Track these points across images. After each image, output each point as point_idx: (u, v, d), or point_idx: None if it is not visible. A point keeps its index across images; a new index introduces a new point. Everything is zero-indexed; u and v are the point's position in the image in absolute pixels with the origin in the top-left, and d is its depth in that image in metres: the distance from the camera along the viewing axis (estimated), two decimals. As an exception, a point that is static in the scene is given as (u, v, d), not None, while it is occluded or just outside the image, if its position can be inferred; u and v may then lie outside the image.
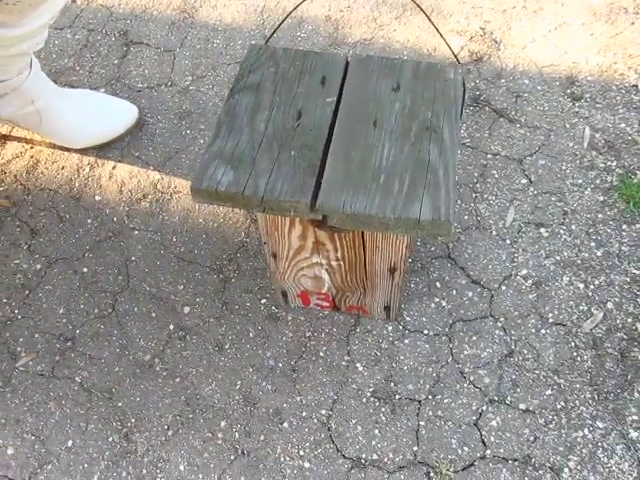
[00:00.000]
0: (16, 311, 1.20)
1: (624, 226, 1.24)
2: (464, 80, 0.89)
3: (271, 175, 0.80)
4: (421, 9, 0.84)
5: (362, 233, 0.90)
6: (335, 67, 0.91)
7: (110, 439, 1.08)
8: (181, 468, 1.06)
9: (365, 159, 0.81)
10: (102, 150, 1.37)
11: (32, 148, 1.39)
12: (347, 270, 1.01)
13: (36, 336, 1.18)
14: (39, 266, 1.25)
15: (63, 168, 1.37)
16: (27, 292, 1.22)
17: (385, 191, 0.78)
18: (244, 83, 0.89)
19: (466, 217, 1.26)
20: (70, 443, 1.08)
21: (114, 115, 1.38)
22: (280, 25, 0.96)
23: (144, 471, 1.06)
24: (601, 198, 1.27)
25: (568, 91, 1.40)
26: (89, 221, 1.30)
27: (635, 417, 1.07)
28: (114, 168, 1.35)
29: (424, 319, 1.16)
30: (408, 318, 1.17)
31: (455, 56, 0.93)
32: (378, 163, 0.81)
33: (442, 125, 0.84)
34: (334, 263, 0.99)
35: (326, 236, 0.92)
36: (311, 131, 0.84)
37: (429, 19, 0.82)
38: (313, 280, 1.07)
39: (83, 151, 1.38)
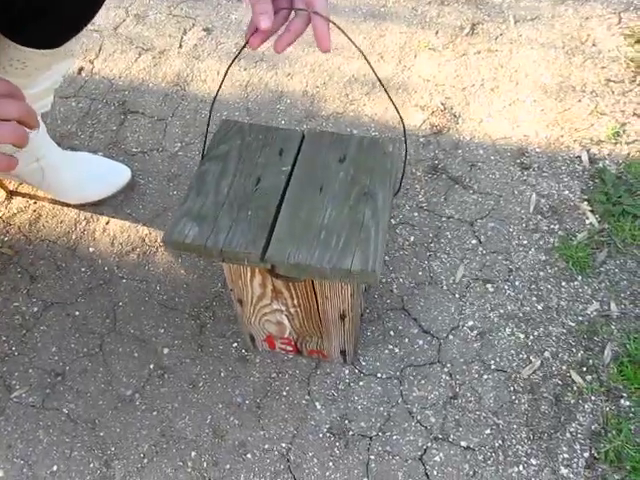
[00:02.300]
0: (13, 348, 1.34)
1: (563, 283, 1.38)
2: (406, 151, 1.03)
3: (230, 231, 0.94)
4: (385, 90, 0.99)
5: (312, 283, 1.04)
6: (292, 141, 1.06)
7: (91, 465, 1.21)
8: (153, 492, 1.18)
9: (310, 219, 0.95)
10: (98, 207, 1.53)
11: (35, 203, 1.55)
12: (304, 316, 1.14)
13: (30, 371, 1.31)
14: (36, 309, 1.39)
15: (62, 222, 1.52)
16: (24, 332, 1.36)
17: (324, 246, 0.92)
18: (214, 153, 1.04)
19: (420, 273, 1.40)
20: (55, 468, 1.21)
21: (110, 176, 1.53)
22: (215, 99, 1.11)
23: (120, 494, 1.18)
24: (543, 257, 1.41)
25: (518, 161, 1.56)
26: (83, 270, 1.44)
27: (566, 455, 1.18)
28: (107, 223, 1.50)
29: (378, 364, 1.29)
30: (363, 363, 1.30)
31: (404, 133, 1.09)
32: (320, 222, 0.95)
33: (377, 191, 0.98)
34: (292, 310, 1.13)
35: (282, 285, 1.06)
36: (267, 195, 0.98)
37: (390, 98, 0.97)
38: (276, 325, 1.20)
39: (81, 207, 1.53)
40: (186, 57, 1.82)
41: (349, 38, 0.87)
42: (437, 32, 1.84)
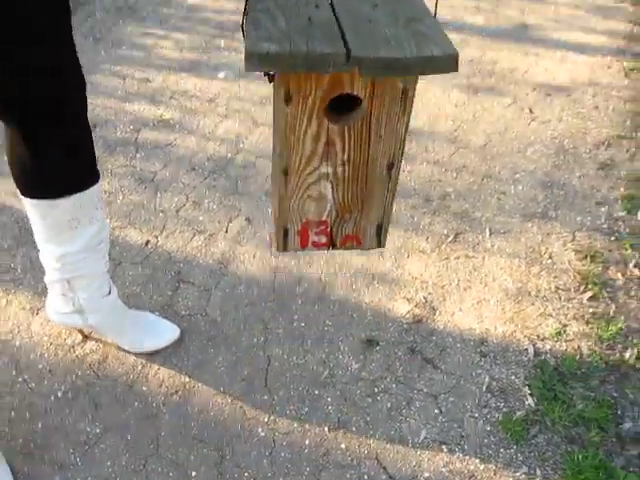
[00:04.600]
0: (77, 459, 1.76)
1: (501, 450, 1.79)
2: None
3: (307, 44, 1.00)
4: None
5: (369, 121, 1.08)
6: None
7: None
8: None
9: (373, 35, 1.01)
10: (151, 356, 1.98)
11: (104, 347, 2.01)
12: (350, 176, 1.16)
13: (89, 479, 1.74)
14: (98, 430, 1.82)
15: (123, 364, 1.97)
16: (87, 447, 1.79)
17: (400, 47, 0.99)
18: (256, 8, 1.10)
19: (392, 432, 1.82)
20: None
21: (162, 333, 2.00)
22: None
23: None
24: (489, 428, 1.83)
25: (478, 349, 2.01)
26: (136, 404, 1.88)
27: None
28: (158, 369, 1.96)
29: (353, 499, 1.70)
30: (342, 497, 1.70)
31: None
32: (385, 36, 1.02)
33: (421, 17, 1.09)
34: (339, 170, 1.14)
35: (337, 132, 1.08)
36: (323, 25, 1.04)
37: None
38: (316, 202, 1.20)
39: (138, 354, 1.99)
40: (230, 241, 2.33)
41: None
42: (427, 238, 2.35)
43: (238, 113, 2.90)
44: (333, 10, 1.08)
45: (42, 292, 2.12)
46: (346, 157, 1.13)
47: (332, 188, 1.18)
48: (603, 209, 2.51)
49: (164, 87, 3.08)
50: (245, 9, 1.05)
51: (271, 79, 1.09)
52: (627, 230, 2.42)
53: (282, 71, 1.01)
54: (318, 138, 1.09)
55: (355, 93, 1.02)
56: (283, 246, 1.27)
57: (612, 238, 2.39)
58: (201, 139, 2.76)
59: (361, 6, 1.09)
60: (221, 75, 3.12)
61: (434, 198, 2.51)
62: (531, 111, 3.00)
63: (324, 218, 1.23)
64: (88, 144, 1.62)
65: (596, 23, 3.73)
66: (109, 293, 1.88)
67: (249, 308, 2.11)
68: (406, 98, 1.05)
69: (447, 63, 0.96)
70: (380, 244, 1.30)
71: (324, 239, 1.27)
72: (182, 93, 3.03)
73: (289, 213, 1.22)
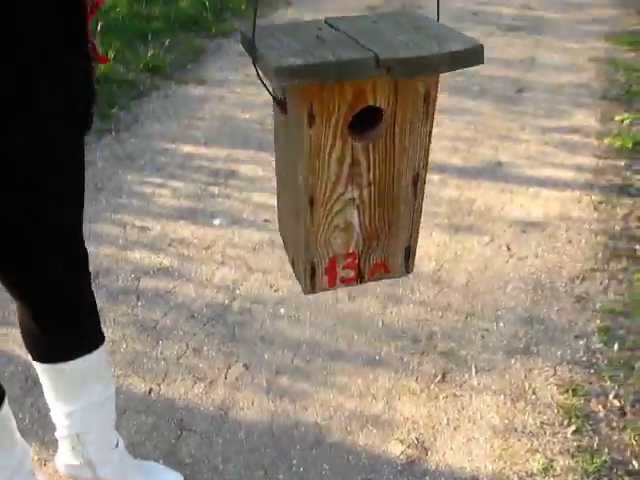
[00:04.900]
0: None
1: None
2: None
3: (334, 54, 0.95)
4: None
5: (393, 134, 1.07)
6: (320, 23, 1.11)
7: None
8: None
9: (389, 41, 1.00)
10: (157, 505, 2.06)
11: (110, 498, 2.09)
12: (377, 198, 1.14)
13: None
14: None
15: (129, 515, 2.04)
16: None
17: (422, 48, 0.98)
18: (261, 34, 1.04)
19: None
20: None
21: (167, 481, 2.09)
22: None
23: None
24: None
25: (470, 488, 2.10)
26: None
27: None
28: (163, 519, 2.03)
29: None
30: None
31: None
32: (400, 42, 1.00)
33: (426, 24, 1.07)
34: (365, 192, 1.12)
35: (361, 151, 1.07)
36: (335, 39, 1.02)
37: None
38: (343, 232, 1.17)
39: (144, 505, 2.07)
40: (229, 387, 2.44)
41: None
42: (417, 378, 2.47)
43: (233, 260, 3.08)
44: (336, 29, 1.08)
45: (50, 443, 2.21)
46: (372, 176, 1.11)
47: (358, 214, 1.15)
48: (581, 342, 2.65)
49: (163, 235, 3.26)
50: (253, 31, 1.02)
51: (283, 107, 1.11)
52: (605, 362, 2.56)
53: (312, 83, 0.97)
54: (343, 159, 1.07)
55: (378, 105, 1.03)
56: (311, 287, 1.22)
57: (591, 371, 2.52)
58: (199, 286, 2.92)
59: (361, 23, 1.10)
60: (216, 222, 3.32)
61: (422, 338, 2.65)
62: (509, 248, 3.20)
63: (351, 249, 1.20)
64: (93, 312, 1.77)
65: (564, 158, 4.00)
66: (117, 445, 1.98)
67: (249, 454, 2.20)
68: (428, 102, 1.05)
69: (474, 55, 0.98)
70: (408, 269, 1.27)
71: (352, 273, 1.23)
72: (180, 241, 3.22)
73: (316, 249, 1.18)
